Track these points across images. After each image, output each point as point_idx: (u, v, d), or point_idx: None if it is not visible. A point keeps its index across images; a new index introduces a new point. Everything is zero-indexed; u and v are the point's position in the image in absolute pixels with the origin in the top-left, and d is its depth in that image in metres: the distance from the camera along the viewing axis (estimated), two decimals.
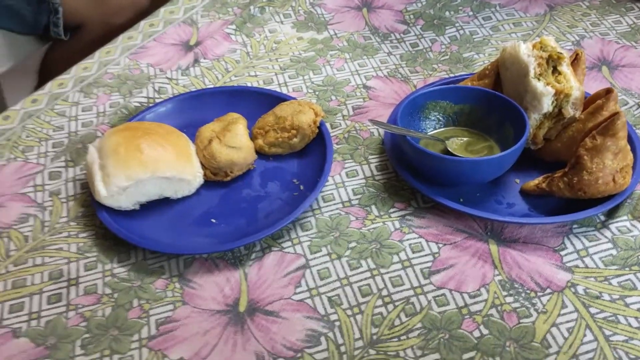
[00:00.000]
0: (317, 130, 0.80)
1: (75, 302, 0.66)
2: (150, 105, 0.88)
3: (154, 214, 0.74)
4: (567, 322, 0.61)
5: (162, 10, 1.09)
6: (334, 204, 0.75)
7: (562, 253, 0.67)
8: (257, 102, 0.86)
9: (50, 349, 0.62)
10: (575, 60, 0.76)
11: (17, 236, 0.73)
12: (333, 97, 0.90)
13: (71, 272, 0.69)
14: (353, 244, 0.70)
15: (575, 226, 0.70)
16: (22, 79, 1.40)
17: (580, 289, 0.64)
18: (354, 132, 0.84)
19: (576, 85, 0.72)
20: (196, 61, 0.97)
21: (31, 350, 0.62)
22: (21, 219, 0.75)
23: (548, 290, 0.64)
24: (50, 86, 0.94)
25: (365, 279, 0.66)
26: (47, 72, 1.29)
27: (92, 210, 0.74)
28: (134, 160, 0.72)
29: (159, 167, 0.72)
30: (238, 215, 0.74)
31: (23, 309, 0.65)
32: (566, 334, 0.60)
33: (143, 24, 1.06)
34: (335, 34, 1.02)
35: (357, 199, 0.75)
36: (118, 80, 0.94)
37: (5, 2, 1.15)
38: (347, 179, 0.77)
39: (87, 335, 0.63)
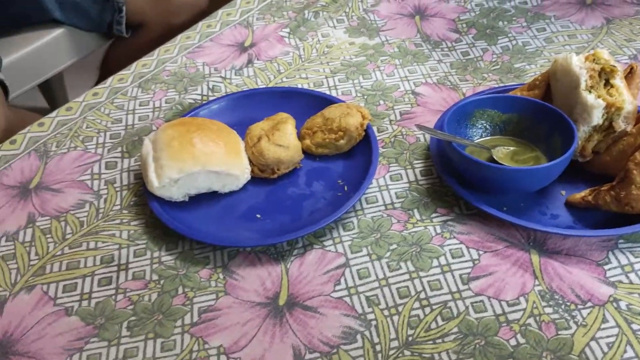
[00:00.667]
0: (363, 133, 0.81)
1: (124, 286, 0.69)
2: (204, 102, 0.91)
3: (202, 207, 0.76)
4: (608, 337, 0.60)
5: (219, 12, 1.12)
6: (377, 206, 0.76)
7: (606, 267, 0.66)
8: (306, 103, 0.88)
9: (99, 329, 0.65)
10: (629, 74, 0.75)
11: (74, 221, 0.77)
12: (381, 102, 0.91)
13: (122, 258, 0.72)
14: (394, 246, 0.71)
15: (621, 241, 0.69)
16: (84, 74, 1.47)
17: (622, 305, 0.63)
18: (401, 136, 0.85)
19: (629, 99, 0.71)
20: (250, 62, 1.00)
21: (81, 328, 0.65)
22: (78, 205, 0.79)
23: (589, 304, 0.63)
24: (111, 81, 0.98)
25: (404, 281, 0.67)
26: (107, 68, 1.35)
27: (144, 200, 0.77)
28: (187, 153, 0.75)
29: (209, 162, 0.75)
30: (282, 212, 0.76)
31: (76, 289, 0.69)
32: (606, 349, 0.59)
33: (201, 24, 1.09)
34: (387, 40, 1.03)
35: (400, 202, 0.76)
36: (174, 78, 0.98)
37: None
38: (390, 182, 0.78)
39: (133, 318, 0.66)
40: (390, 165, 0.81)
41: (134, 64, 1.02)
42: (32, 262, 0.72)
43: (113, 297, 0.68)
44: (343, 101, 0.87)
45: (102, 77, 1.35)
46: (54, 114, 0.93)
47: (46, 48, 1.22)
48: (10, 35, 1.22)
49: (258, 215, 0.76)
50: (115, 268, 0.71)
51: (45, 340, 0.64)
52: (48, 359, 0.62)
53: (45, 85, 1.51)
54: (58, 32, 1.24)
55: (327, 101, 0.87)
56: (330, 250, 0.71)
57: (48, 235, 0.75)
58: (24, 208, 0.79)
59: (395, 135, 0.85)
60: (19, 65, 1.20)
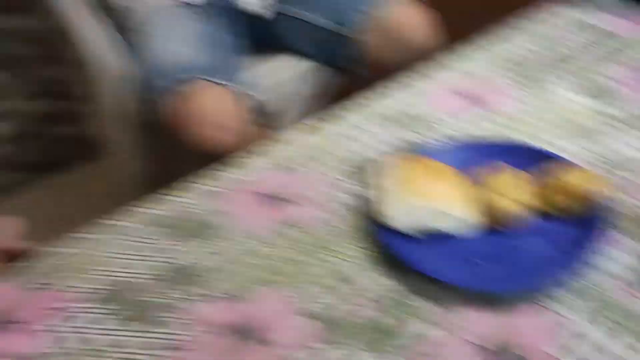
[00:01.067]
0: (599, 202, 0.80)
1: (354, 301, 0.74)
2: (433, 144, 0.95)
3: (429, 243, 0.80)
4: None
5: (447, 57, 1.16)
6: (608, 276, 0.74)
7: None
8: (539, 161, 0.88)
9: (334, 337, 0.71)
10: None
11: (310, 233, 0.85)
12: (621, 173, 0.88)
13: (349, 274, 0.78)
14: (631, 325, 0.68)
15: None
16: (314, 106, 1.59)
17: None
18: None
19: None
20: (476, 110, 1.03)
21: (319, 332, 0.71)
22: (313, 220, 0.86)
23: None
24: (344, 112, 1.07)
25: None
26: (339, 100, 1.46)
27: (373, 228, 0.83)
28: (420, 190, 0.80)
29: (440, 201, 0.79)
30: (506, 264, 0.77)
31: (310, 294, 0.76)
32: None
33: (429, 67, 1.14)
34: (627, 107, 0.99)
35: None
36: (406, 117, 1.04)
37: (316, 34, 1.34)
38: (622, 256, 0.76)
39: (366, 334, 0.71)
40: (625, 238, 0.78)
41: (365, 99, 1.09)
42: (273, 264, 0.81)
43: (344, 308, 0.73)
44: (578, 166, 0.86)
45: (331, 108, 1.46)
46: (297, 134, 1.04)
47: (291, 78, 1.37)
48: (260, 62, 1.38)
49: (479, 261, 0.77)
50: (343, 283, 0.77)
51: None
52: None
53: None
54: (304, 64, 1.38)
55: (560, 162, 0.87)
56: (556, 312, 0.71)
57: (288, 243, 0.83)
58: (268, 216, 0.88)
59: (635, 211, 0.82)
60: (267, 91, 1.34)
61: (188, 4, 1.33)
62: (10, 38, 1.61)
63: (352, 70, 1.38)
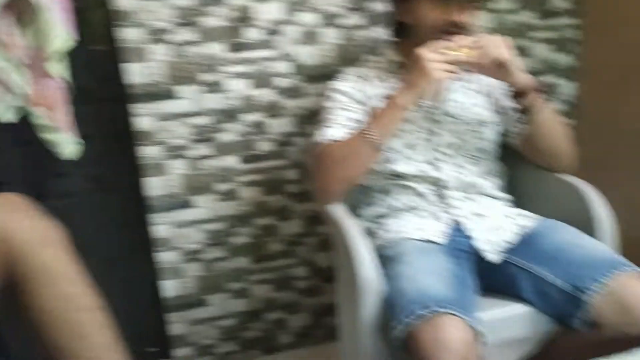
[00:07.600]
0: None
1: None
2: None
3: None
4: None
5: None
6: None
7: None
8: None
9: None
10: None
11: None
12: None
13: None
14: None
15: None
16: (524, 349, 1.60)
17: None
18: None
19: None
20: None
21: None
22: None
23: None
24: None
25: None
26: (550, 355, 1.45)
27: None
28: None
29: None
30: None
31: None
32: None
33: None
34: None
35: None
36: None
37: (545, 289, 1.41)
38: None
39: None
40: None
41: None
42: None
43: None
44: None
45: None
46: None
47: (508, 320, 1.44)
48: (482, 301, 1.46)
49: None
50: None
51: None
52: None
53: None
54: (522, 309, 1.44)
55: None
56: None
57: None
58: None
59: None
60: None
61: (433, 242, 1.53)
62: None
63: (575, 328, 1.38)
